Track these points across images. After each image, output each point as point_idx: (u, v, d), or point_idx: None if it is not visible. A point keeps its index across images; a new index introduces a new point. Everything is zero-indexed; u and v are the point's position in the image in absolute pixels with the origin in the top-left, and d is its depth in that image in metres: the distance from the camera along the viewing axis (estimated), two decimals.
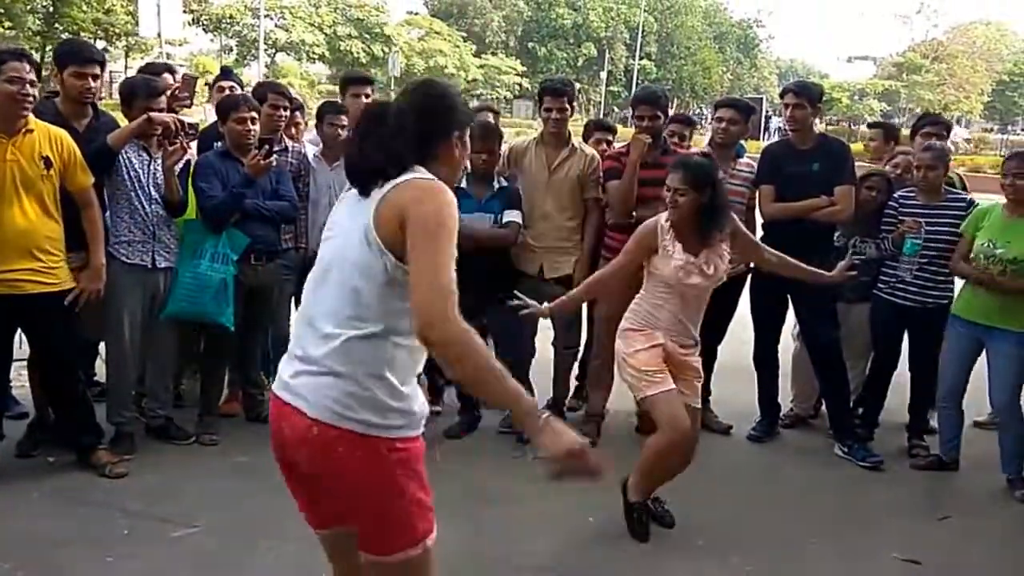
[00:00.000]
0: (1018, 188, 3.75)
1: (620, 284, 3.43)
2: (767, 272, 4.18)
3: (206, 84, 5.31)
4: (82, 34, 25.81)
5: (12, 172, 3.19)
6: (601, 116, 34.02)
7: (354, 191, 1.84)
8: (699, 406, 3.31)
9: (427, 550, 1.82)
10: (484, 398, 1.76)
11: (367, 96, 4.46)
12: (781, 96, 4.29)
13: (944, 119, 4.85)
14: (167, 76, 4.52)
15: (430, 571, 1.85)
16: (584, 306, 4.54)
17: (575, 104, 4.25)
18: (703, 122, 23.00)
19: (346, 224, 1.81)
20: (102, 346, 3.86)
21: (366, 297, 1.74)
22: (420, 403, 1.84)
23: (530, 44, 50.03)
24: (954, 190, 4.15)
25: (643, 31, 49.86)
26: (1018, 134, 29.87)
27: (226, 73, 5.03)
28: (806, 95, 4.12)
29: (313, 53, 39.48)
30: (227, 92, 4.48)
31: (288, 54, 40.57)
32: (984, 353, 3.94)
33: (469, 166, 4.15)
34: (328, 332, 1.76)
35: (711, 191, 3.15)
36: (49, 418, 3.74)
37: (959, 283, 4.10)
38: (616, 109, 47.86)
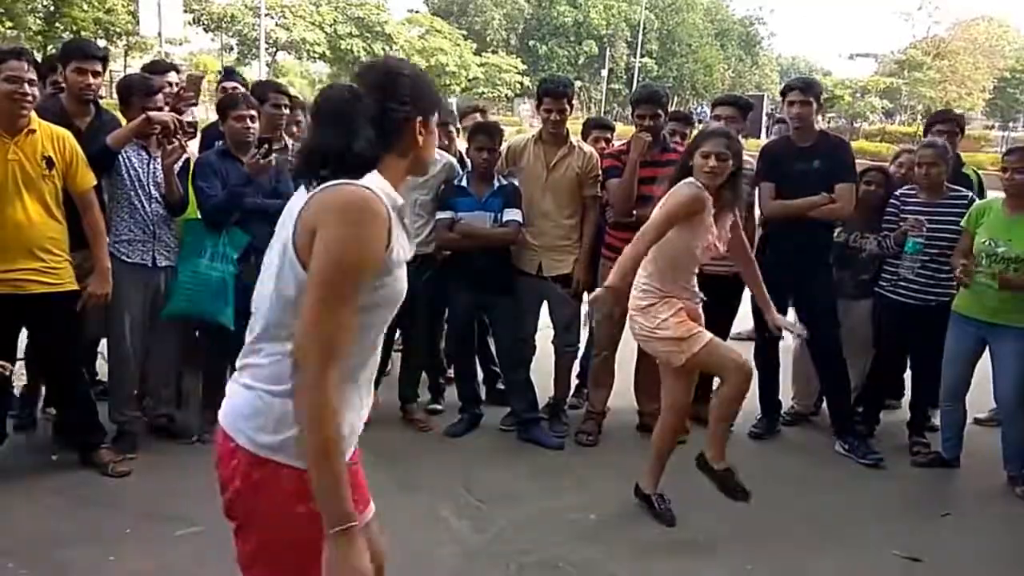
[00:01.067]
0: (1017, 183, 3.74)
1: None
2: (769, 270, 4.20)
3: (218, 83, 5.31)
4: (83, 33, 25.88)
5: (14, 172, 3.19)
6: (602, 114, 34.04)
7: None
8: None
9: None
10: (312, 479, 1.47)
11: None
12: (784, 93, 4.26)
13: (956, 115, 4.79)
14: (172, 75, 4.53)
15: None
16: (583, 305, 4.55)
17: (573, 103, 4.25)
18: (701, 120, 22.93)
19: (283, 225, 1.63)
20: (103, 345, 3.87)
21: (279, 310, 1.59)
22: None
23: (531, 42, 50.03)
24: (955, 187, 4.13)
25: (644, 28, 49.83)
26: (1018, 131, 29.75)
27: (229, 73, 5.03)
28: (811, 92, 4.11)
29: (314, 52, 39.54)
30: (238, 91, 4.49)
31: (289, 53, 40.62)
32: (986, 350, 3.94)
33: (470, 164, 4.17)
34: (253, 342, 1.64)
35: (739, 160, 3.27)
36: (39, 392, 3.82)
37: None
38: (617, 107, 47.85)
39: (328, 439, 1.46)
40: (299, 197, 1.60)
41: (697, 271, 3.39)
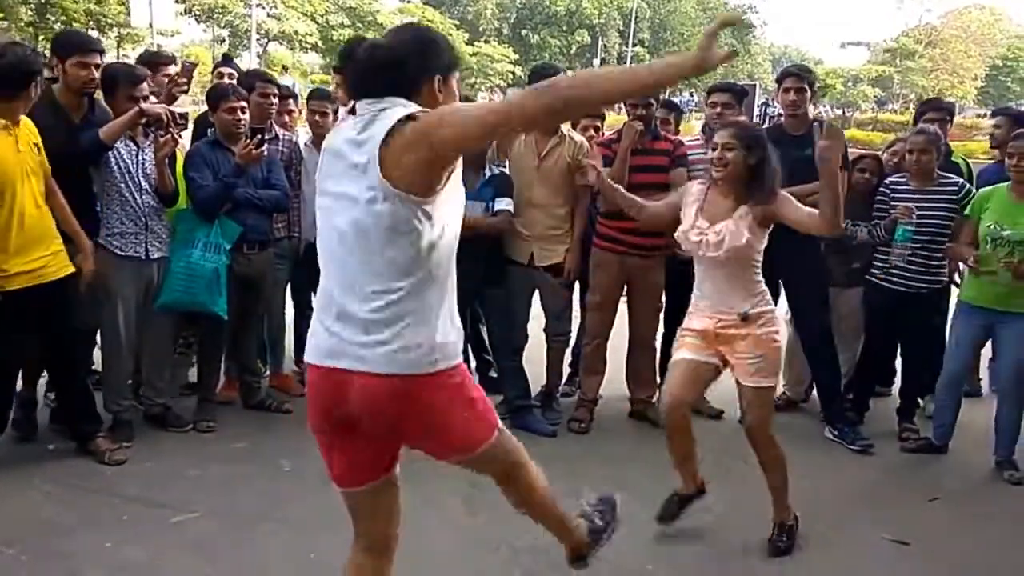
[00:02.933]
0: (1022, 168, 3.74)
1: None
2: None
3: (214, 68, 5.31)
4: (74, 25, 25.69)
5: (23, 162, 3.21)
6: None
7: (330, 157, 1.87)
8: (758, 386, 3.06)
9: (501, 431, 2.03)
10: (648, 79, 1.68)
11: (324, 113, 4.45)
12: (780, 80, 4.26)
13: (946, 104, 4.84)
14: (172, 68, 4.53)
15: (510, 442, 2.08)
16: (576, 293, 4.59)
17: None
18: (692, 108, 22.84)
19: (346, 189, 1.81)
20: (99, 335, 3.89)
21: (400, 257, 1.77)
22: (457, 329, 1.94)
23: (523, 32, 49.89)
24: (946, 175, 4.16)
25: (636, 17, 49.73)
26: (989, 118, 29.88)
27: (227, 60, 5.02)
28: (807, 79, 4.14)
29: (306, 43, 39.32)
30: (225, 79, 4.50)
31: (281, 44, 40.38)
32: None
33: None
34: (372, 297, 1.80)
35: (761, 154, 3.02)
36: (36, 396, 3.81)
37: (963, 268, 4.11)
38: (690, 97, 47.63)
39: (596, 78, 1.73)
40: (340, 163, 1.82)
41: (727, 284, 3.09)
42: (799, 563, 3.10)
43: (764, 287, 3.15)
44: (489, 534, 3.15)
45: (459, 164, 1.82)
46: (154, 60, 4.51)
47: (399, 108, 1.76)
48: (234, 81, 4.50)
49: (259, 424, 4.12)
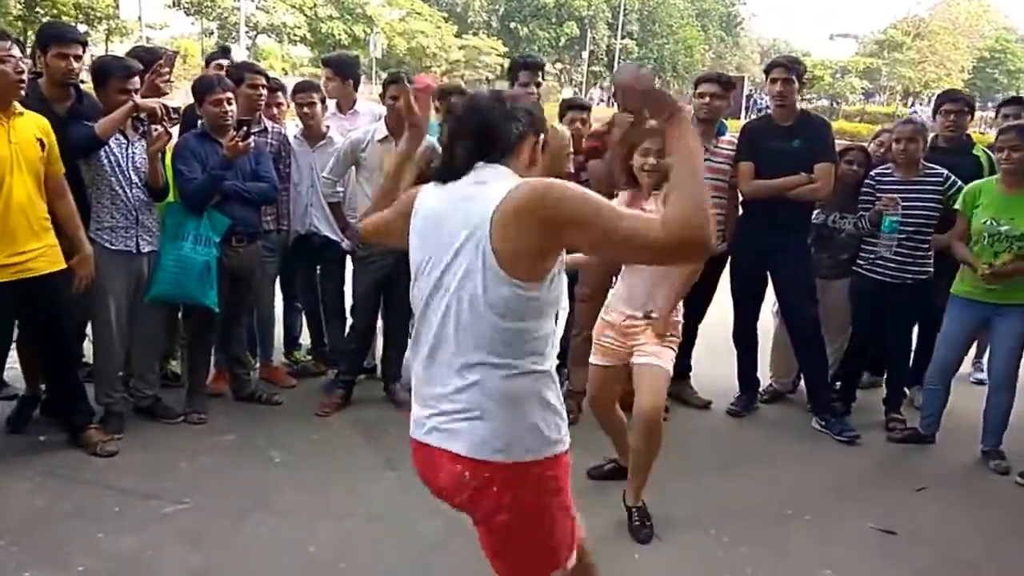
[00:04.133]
0: (1014, 161, 3.74)
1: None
2: (747, 250, 4.26)
3: (209, 59, 5.26)
4: (63, 18, 25.49)
5: (16, 152, 3.19)
6: (584, 95, 33.93)
7: (434, 220, 1.77)
8: (658, 365, 3.13)
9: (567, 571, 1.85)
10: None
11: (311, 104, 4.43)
12: (768, 70, 4.26)
13: (964, 95, 4.73)
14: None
15: None
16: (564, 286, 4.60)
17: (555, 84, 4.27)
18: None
19: (450, 256, 1.70)
20: (89, 327, 3.88)
21: (502, 333, 1.68)
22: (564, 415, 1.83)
23: (512, 24, 49.74)
24: (931, 165, 4.18)
25: (625, 9, 49.67)
26: (988, 109, 29.94)
27: (225, 52, 4.97)
28: (795, 70, 4.13)
29: (294, 35, 39.13)
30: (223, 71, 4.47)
31: (269, 36, 40.17)
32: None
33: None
34: (468, 373, 1.71)
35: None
36: (40, 394, 3.80)
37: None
38: (600, 90, 47.75)
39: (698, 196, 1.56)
40: (447, 224, 1.72)
41: (636, 278, 3.21)
42: (786, 552, 3.13)
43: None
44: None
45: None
46: (149, 54, 4.46)
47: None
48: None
49: (249, 416, 4.12)
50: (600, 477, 3.57)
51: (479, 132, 1.75)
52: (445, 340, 1.73)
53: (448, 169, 1.78)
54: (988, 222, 3.82)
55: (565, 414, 1.84)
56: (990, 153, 4.53)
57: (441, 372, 1.75)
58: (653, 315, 3.18)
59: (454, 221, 1.70)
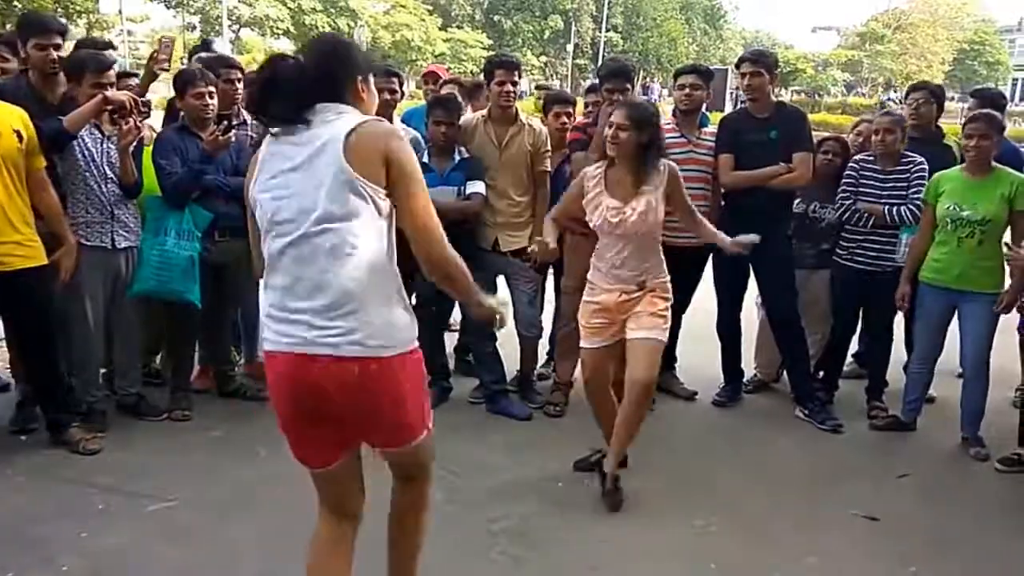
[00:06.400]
0: (982, 149, 3.79)
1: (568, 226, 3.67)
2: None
3: (191, 54, 5.21)
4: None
5: None
6: (569, 89, 33.90)
7: (279, 146, 1.98)
8: (654, 338, 3.26)
9: (430, 429, 2.20)
10: (456, 294, 2.20)
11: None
12: (737, 66, 4.31)
13: (933, 86, 4.78)
14: (110, 53, 4.45)
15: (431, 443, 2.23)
16: (550, 277, 4.61)
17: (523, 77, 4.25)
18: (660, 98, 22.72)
19: (305, 178, 1.93)
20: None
21: (362, 239, 1.91)
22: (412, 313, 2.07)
23: (496, 17, 49.53)
24: (910, 155, 4.22)
25: (609, 3, 49.59)
26: (957, 102, 30.25)
27: (206, 45, 4.93)
28: (763, 63, 4.16)
29: (277, 28, 38.82)
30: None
31: (252, 30, 39.85)
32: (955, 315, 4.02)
33: (430, 139, 4.16)
34: (333, 280, 1.91)
35: (651, 131, 3.22)
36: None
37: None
38: (583, 83, 47.67)
39: (463, 277, 2.07)
40: (295, 153, 1.94)
41: (635, 258, 3.30)
42: (771, 540, 3.15)
43: (662, 256, 3.39)
44: (467, 518, 3.18)
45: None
46: (90, 45, 4.40)
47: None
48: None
49: (234, 412, 4.10)
50: (586, 469, 3.57)
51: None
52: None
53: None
54: (951, 207, 3.87)
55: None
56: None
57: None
58: (647, 284, 3.31)
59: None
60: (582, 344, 3.41)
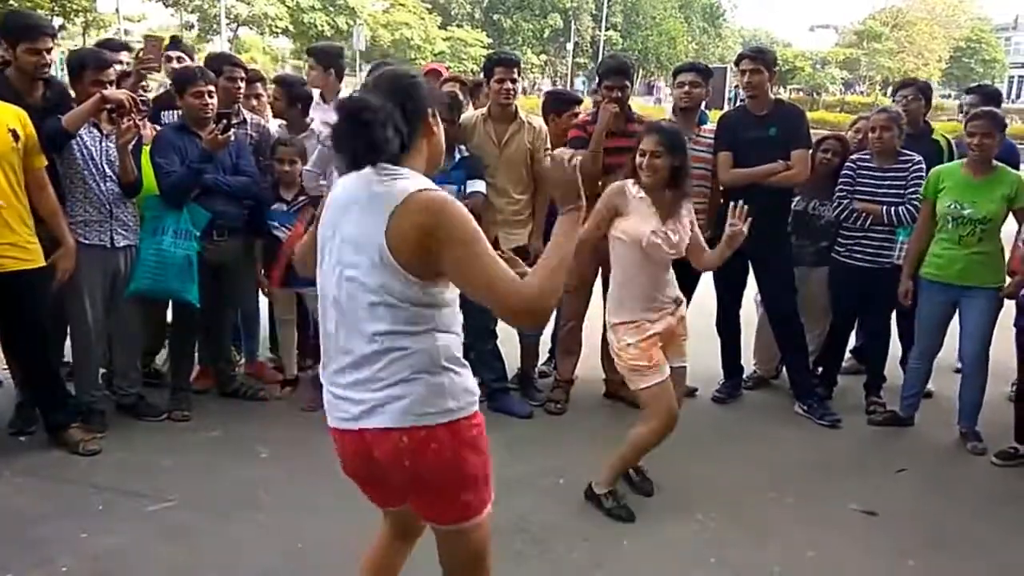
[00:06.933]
0: (984, 147, 3.79)
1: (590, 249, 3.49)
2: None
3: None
4: (39, 11, 25.12)
5: None
6: (569, 87, 33.85)
7: (345, 192, 1.84)
8: (685, 364, 3.34)
9: (487, 516, 1.94)
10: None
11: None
12: (736, 63, 4.31)
13: (921, 82, 4.81)
14: (123, 54, 4.45)
15: (487, 533, 1.98)
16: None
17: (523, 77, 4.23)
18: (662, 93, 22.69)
19: (353, 237, 1.78)
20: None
21: (397, 310, 1.75)
22: (473, 380, 1.90)
23: (496, 16, 49.50)
24: (907, 152, 4.22)
25: (609, 1, 49.58)
26: (953, 99, 30.22)
27: (175, 43, 4.94)
28: (761, 60, 4.16)
29: (276, 27, 38.73)
30: (174, 62, 4.42)
31: (251, 28, 39.76)
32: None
33: None
34: (373, 350, 1.78)
35: (682, 156, 3.20)
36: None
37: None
38: (588, 81, 47.64)
39: (557, 284, 1.74)
40: (353, 206, 1.78)
41: (668, 276, 3.26)
42: (770, 534, 3.16)
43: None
44: None
45: None
46: (108, 47, 4.40)
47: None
48: (184, 64, 4.41)
49: (234, 412, 4.11)
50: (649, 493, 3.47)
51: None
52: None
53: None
54: (952, 205, 3.87)
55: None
56: (949, 139, 4.63)
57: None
58: (679, 297, 3.32)
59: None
60: (653, 381, 3.12)
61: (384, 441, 1.79)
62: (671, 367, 3.20)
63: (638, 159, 3.20)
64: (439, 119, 1.92)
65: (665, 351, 3.20)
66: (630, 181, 3.24)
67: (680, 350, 3.30)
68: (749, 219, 3.18)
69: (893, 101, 4.71)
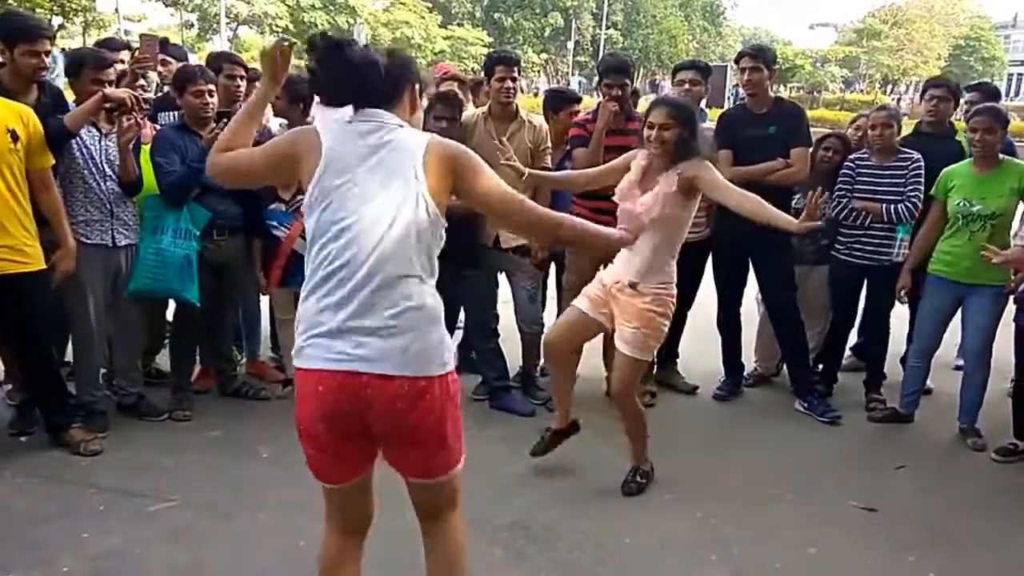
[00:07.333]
0: (987, 143, 3.78)
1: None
2: (728, 238, 4.28)
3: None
4: (37, 11, 25.10)
5: None
6: (568, 86, 33.82)
7: (345, 143, 1.96)
8: (631, 356, 3.23)
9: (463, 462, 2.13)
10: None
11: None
12: (736, 61, 4.32)
13: (949, 82, 4.70)
14: (124, 54, 4.45)
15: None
16: (552, 275, 4.62)
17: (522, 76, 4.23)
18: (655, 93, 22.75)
19: (374, 179, 1.90)
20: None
21: (421, 254, 1.91)
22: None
23: (496, 15, 49.49)
24: (906, 150, 4.23)
25: (609, 0, 49.56)
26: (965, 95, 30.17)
27: (163, 45, 4.93)
28: (761, 58, 4.16)
29: (276, 26, 38.67)
30: (169, 65, 4.42)
31: (251, 27, 39.73)
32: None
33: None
34: (388, 295, 1.86)
35: (691, 128, 3.21)
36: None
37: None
38: (584, 81, 47.62)
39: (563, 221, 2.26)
40: (365, 147, 1.95)
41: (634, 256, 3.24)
42: (771, 531, 3.17)
43: (672, 271, 3.28)
44: (469, 514, 3.17)
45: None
46: (109, 46, 4.40)
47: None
48: (172, 67, 4.38)
49: (236, 412, 4.11)
50: (543, 452, 3.59)
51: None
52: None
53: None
54: (961, 203, 3.87)
55: None
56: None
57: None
58: (638, 286, 3.22)
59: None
60: (575, 301, 3.42)
61: (385, 387, 1.86)
62: (616, 342, 3.28)
63: (646, 132, 3.23)
64: (419, 99, 2.09)
65: (615, 318, 3.29)
66: (643, 153, 3.32)
67: (626, 334, 3.23)
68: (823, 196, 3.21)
69: (922, 100, 4.65)
